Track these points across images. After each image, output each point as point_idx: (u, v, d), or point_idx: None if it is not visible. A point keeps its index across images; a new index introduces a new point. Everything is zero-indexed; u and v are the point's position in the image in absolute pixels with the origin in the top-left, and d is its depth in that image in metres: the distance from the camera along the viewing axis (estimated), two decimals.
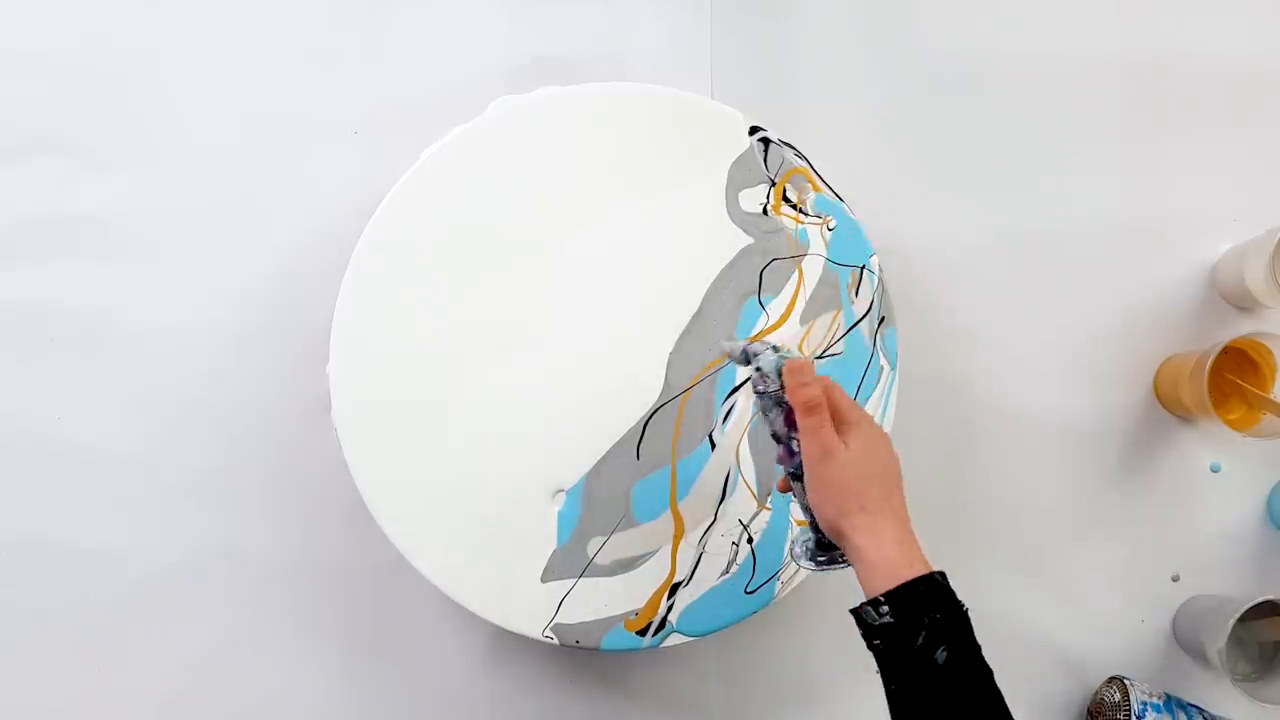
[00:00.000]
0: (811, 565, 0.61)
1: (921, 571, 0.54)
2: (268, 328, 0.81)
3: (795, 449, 0.59)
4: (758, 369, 0.60)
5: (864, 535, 0.55)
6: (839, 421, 0.58)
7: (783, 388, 0.59)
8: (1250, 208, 0.84)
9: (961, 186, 0.84)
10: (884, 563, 0.54)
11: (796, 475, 0.60)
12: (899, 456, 0.59)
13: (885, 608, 0.53)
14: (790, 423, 0.59)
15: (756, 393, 0.61)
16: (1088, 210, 0.84)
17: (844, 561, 0.59)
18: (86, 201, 0.82)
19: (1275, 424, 0.76)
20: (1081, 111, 0.85)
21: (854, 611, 0.55)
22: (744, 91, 0.83)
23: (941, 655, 0.52)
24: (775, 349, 0.61)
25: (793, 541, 0.63)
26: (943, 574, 0.54)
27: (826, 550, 0.60)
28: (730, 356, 0.63)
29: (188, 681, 0.81)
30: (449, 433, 0.72)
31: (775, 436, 0.61)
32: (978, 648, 0.53)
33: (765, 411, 0.61)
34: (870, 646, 0.54)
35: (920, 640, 0.52)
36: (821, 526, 0.58)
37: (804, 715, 0.82)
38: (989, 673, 0.53)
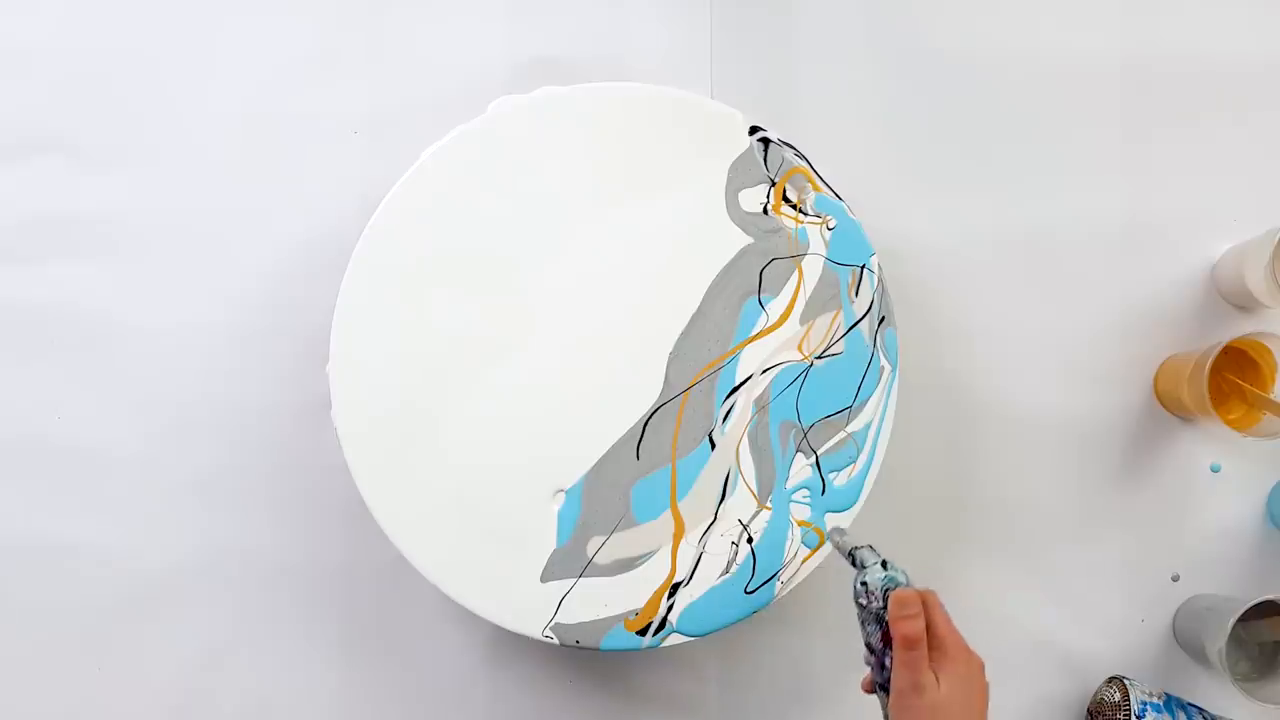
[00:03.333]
0: None
1: None
2: (268, 328, 0.81)
3: (886, 665, 0.59)
4: (863, 583, 0.61)
5: None
6: (935, 650, 0.58)
7: (885, 607, 0.59)
8: (1250, 208, 0.84)
9: (961, 186, 0.84)
10: None
11: (885, 689, 0.60)
12: (988, 687, 0.59)
13: None
14: (887, 640, 0.59)
15: (856, 603, 0.61)
16: (1088, 210, 0.84)
17: None
18: (86, 201, 0.82)
19: (1275, 424, 0.76)
20: (1082, 111, 0.85)
21: None
22: (744, 91, 0.83)
23: None
24: (884, 564, 0.61)
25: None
26: None
27: None
28: (836, 548, 0.64)
29: (188, 681, 0.81)
30: (449, 432, 0.72)
31: (869, 646, 0.61)
32: None
33: (863, 623, 0.61)
34: None
35: None
36: None
37: (804, 715, 0.82)
38: None
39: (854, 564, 0.62)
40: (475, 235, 0.74)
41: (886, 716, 0.60)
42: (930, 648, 0.58)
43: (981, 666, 0.59)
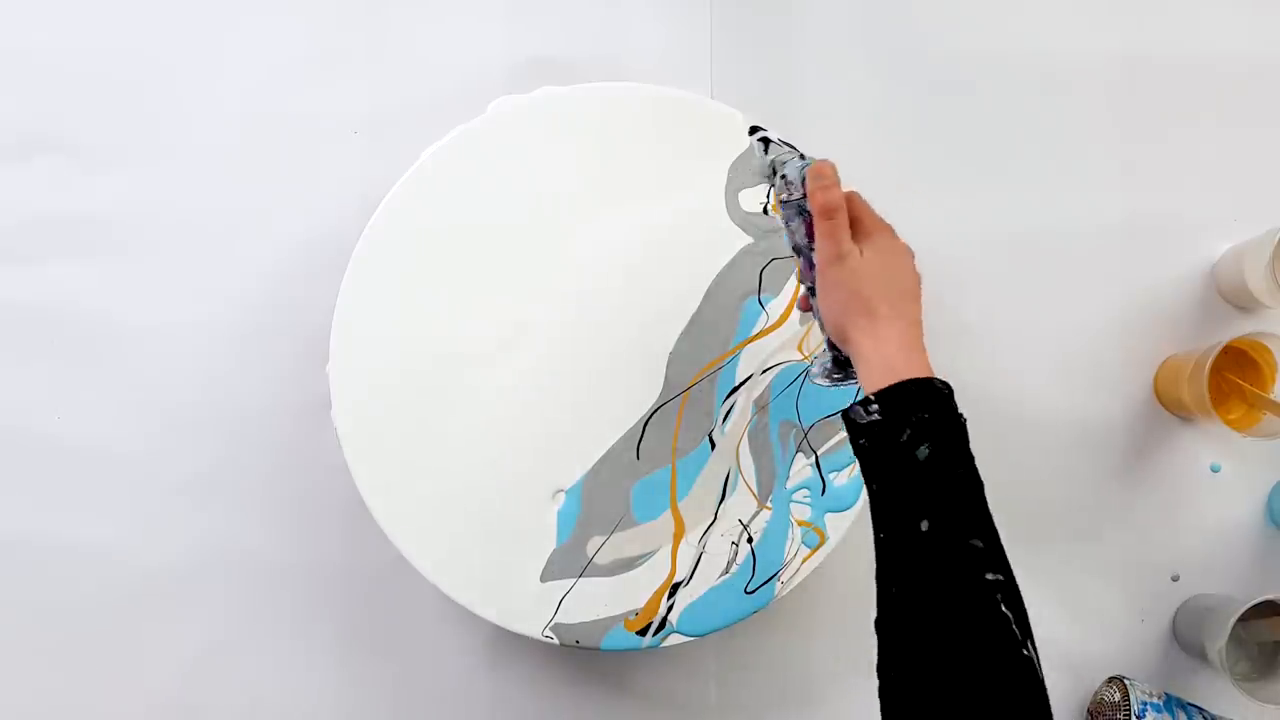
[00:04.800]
0: (826, 382, 0.60)
1: (919, 375, 0.52)
2: (268, 328, 0.81)
3: (815, 263, 0.58)
4: (783, 176, 0.59)
5: (867, 337, 0.55)
6: (859, 230, 0.57)
7: (805, 195, 0.58)
8: (1250, 208, 0.84)
9: (961, 186, 0.84)
10: (883, 364, 0.53)
11: (813, 291, 0.59)
12: (920, 274, 0.58)
13: (874, 406, 0.52)
14: (811, 234, 0.58)
15: (780, 202, 0.59)
16: (1088, 210, 0.84)
17: (856, 378, 0.58)
18: (86, 201, 0.82)
19: (1275, 424, 0.76)
20: (1082, 111, 0.85)
21: (844, 413, 0.54)
22: (744, 91, 0.83)
23: (924, 452, 0.50)
24: (802, 156, 0.59)
25: (811, 362, 0.62)
26: (947, 384, 0.53)
27: (842, 368, 0.59)
28: (759, 174, 0.62)
29: (188, 681, 0.81)
30: (449, 432, 0.72)
31: (796, 249, 0.60)
32: (970, 456, 0.52)
33: (788, 221, 0.60)
34: (855, 448, 0.53)
35: (904, 437, 0.50)
36: (829, 333, 0.57)
37: (804, 715, 0.82)
38: (979, 483, 0.52)
39: (774, 174, 0.60)
40: (475, 235, 0.74)
41: (820, 322, 0.59)
42: (854, 230, 0.57)
43: (910, 252, 0.59)
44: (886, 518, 0.51)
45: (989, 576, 0.49)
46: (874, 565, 0.52)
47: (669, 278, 0.74)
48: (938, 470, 0.50)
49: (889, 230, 0.59)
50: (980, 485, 0.52)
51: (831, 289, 0.57)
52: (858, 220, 0.58)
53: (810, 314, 0.61)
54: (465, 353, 0.73)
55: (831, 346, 0.60)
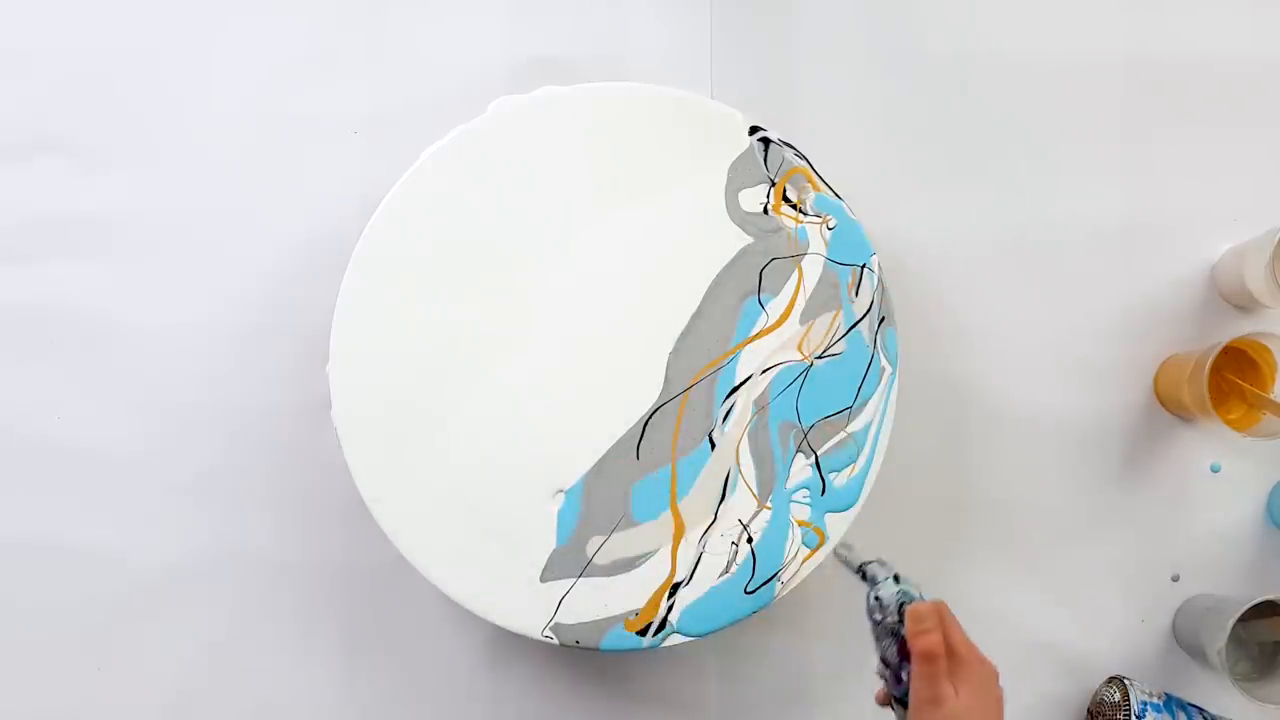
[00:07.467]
0: None
1: None
2: (268, 328, 0.81)
3: (904, 678, 0.59)
4: (876, 598, 0.61)
5: None
6: (950, 659, 0.58)
7: (900, 620, 0.59)
8: (1250, 208, 0.84)
9: (962, 186, 0.84)
10: None
11: (901, 702, 0.60)
12: (1003, 696, 0.59)
13: None
14: (904, 654, 0.59)
15: (870, 619, 0.61)
16: (1088, 210, 0.84)
17: None
18: (86, 201, 0.82)
19: (1275, 424, 0.76)
20: (1082, 111, 0.85)
21: None
22: (744, 91, 0.83)
23: None
24: (896, 578, 0.61)
25: None
26: None
27: None
28: (844, 563, 0.64)
29: (188, 681, 0.81)
30: (449, 432, 0.72)
31: (884, 661, 0.61)
32: None
33: (878, 639, 0.61)
34: None
35: None
36: None
37: (804, 715, 0.82)
38: None
39: (864, 579, 0.62)
40: (475, 235, 0.74)
41: None
42: (947, 658, 0.58)
43: (996, 675, 0.60)
44: None
45: None
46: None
47: (669, 277, 0.74)
48: None
49: (979, 660, 0.59)
50: None
51: None
52: (950, 646, 0.58)
53: (886, 706, 0.62)
54: (465, 352, 0.73)
55: None
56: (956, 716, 0.57)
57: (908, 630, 0.59)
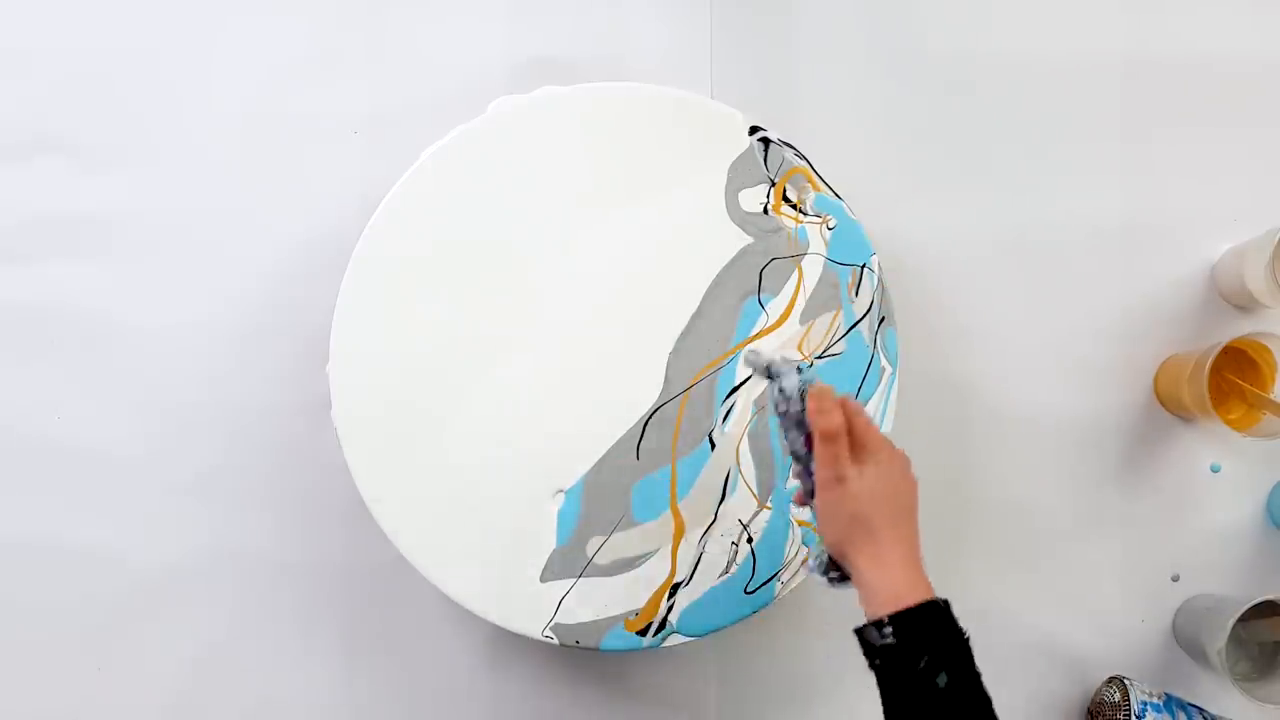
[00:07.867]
0: (824, 581, 0.61)
1: (925, 597, 0.55)
2: (268, 328, 0.81)
3: (813, 469, 0.59)
4: (780, 390, 0.60)
5: (869, 560, 0.56)
6: (857, 446, 0.59)
7: (804, 409, 0.59)
8: (1250, 208, 0.84)
9: (961, 186, 0.84)
10: (887, 588, 0.55)
11: (812, 494, 0.60)
12: (916, 481, 0.59)
13: (888, 629, 0.54)
14: (810, 444, 0.59)
15: (777, 412, 0.61)
16: (1088, 210, 0.84)
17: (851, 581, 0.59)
18: (86, 201, 0.82)
19: (1275, 424, 0.76)
20: (1082, 111, 0.85)
21: (857, 631, 0.56)
22: (744, 91, 0.83)
23: (943, 680, 0.53)
24: (800, 369, 0.61)
25: (809, 554, 0.63)
26: (946, 601, 0.55)
27: (839, 568, 0.60)
28: (753, 368, 0.63)
29: (188, 681, 0.81)
30: (449, 432, 0.72)
31: (794, 455, 0.61)
32: (978, 675, 0.54)
33: (785, 430, 0.61)
34: (871, 665, 0.55)
35: (923, 664, 0.53)
36: (828, 549, 0.59)
37: (804, 715, 0.82)
38: (988, 701, 0.54)
39: (770, 377, 0.61)
40: (475, 235, 0.74)
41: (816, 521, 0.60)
42: (851, 446, 0.58)
43: (907, 462, 0.60)
44: None
45: None
46: None
47: (669, 277, 0.74)
48: (956, 697, 0.53)
49: (887, 445, 0.60)
50: (989, 702, 0.54)
51: (831, 511, 0.58)
52: (856, 434, 0.59)
53: (805, 506, 0.63)
54: (465, 352, 0.73)
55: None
56: (859, 496, 0.57)
57: (809, 411, 0.59)
